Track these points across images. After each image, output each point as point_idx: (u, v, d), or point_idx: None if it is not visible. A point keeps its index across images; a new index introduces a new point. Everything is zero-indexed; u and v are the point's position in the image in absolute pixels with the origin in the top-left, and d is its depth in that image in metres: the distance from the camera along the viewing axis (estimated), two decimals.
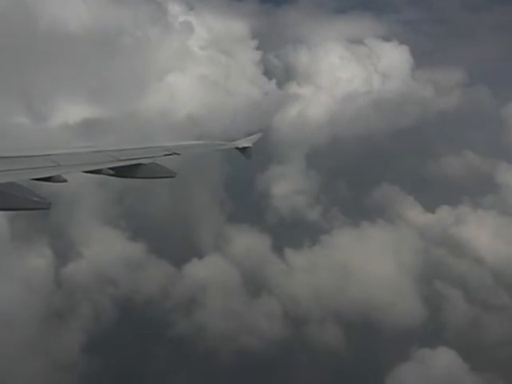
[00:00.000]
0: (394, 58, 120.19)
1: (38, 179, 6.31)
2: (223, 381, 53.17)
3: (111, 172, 7.60)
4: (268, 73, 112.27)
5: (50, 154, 7.33)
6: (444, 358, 51.07)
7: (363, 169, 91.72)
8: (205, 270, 65.51)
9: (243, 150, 12.69)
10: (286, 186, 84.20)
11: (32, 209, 5.47)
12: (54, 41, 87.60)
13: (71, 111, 75.23)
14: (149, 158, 8.53)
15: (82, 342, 54.67)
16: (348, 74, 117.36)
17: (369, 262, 70.85)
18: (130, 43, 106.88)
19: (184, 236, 69.71)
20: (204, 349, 55.76)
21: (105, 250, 64.57)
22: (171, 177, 8.39)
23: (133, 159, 8.17)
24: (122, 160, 7.98)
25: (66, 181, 6.79)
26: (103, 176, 7.67)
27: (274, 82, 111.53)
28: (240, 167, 79.55)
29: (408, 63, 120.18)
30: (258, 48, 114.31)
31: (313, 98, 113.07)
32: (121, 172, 7.78)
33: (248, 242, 72.60)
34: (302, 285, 66.27)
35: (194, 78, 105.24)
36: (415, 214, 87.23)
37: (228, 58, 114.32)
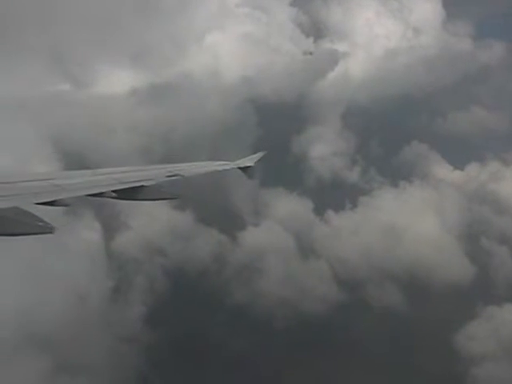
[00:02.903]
0: (426, 10, 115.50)
1: (41, 203, 6.32)
2: (285, 346, 53.36)
3: (114, 195, 7.67)
4: (301, 30, 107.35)
5: (52, 178, 7.40)
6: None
7: (396, 127, 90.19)
8: (254, 237, 64.84)
9: (245, 169, 12.69)
10: (323, 148, 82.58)
11: (35, 233, 5.47)
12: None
13: (113, 76, 71.37)
14: (151, 180, 8.56)
15: (142, 313, 54.35)
16: (382, 30, 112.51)
17: (412, 222, 70.83)
18: (170, 1, 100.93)
19: (227, 203, 68.48)
20: (262, 315, 55.77)
21: (152, 220, 63.15)
22: (175, 198, 8.54)
23: (135, 181, 8.22)
24: (124, 183, 8.02)
25: (69, 205, 6.78)
26: None
27: (311, 39, 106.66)
28: (275, 130, 77.65)
29: (440, 16, 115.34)
30: (292, 4, 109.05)
31: (349, 56, 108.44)
32: (124, 194, 7.83)
33: (290, 206, 71.74)
34: (350, 247, 66.18)
35: (237, 37, 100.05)
36: (445, 172, 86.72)
37: (265, 15, 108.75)
